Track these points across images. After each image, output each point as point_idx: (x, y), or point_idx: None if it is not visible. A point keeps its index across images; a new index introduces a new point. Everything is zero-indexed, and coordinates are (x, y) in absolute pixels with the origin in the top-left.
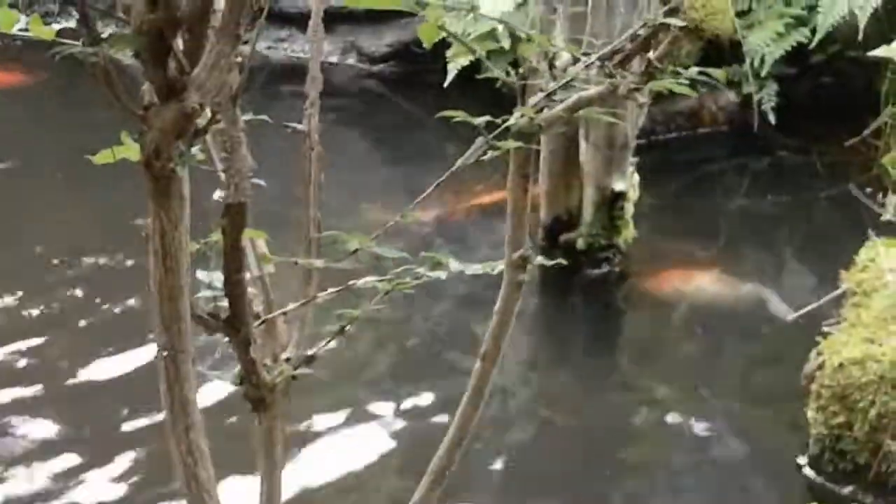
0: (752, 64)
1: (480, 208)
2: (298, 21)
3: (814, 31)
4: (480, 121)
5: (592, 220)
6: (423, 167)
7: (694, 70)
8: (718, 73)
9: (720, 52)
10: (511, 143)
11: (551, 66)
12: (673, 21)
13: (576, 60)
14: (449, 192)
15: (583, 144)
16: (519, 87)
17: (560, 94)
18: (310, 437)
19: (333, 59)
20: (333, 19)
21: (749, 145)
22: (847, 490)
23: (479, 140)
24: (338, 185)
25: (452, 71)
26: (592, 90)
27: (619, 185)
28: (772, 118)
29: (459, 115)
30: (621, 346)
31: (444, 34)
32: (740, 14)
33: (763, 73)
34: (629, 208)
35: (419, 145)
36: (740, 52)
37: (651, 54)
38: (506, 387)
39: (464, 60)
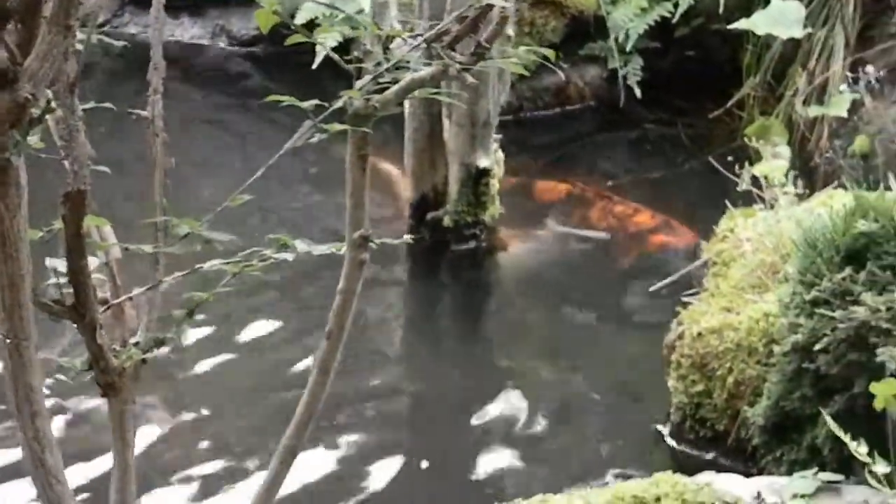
0: (616, 39)
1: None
2: (165, 4)
3: (676, 6)
4: (308, 104)
5: (458, 197)
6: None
7: (522, 49)
8: (548, 52)
9: (585, 27)
10: (337, 126)
11: (385, 49)
12: (499, 2)
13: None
14: None
15: (446, 123)
16: (354, 70)
17: (397, 76)
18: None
19: (204, 41)
20: (203, 2)
21: (616, 120)
22: (708, 456)
23: (307, 123)
24: (208, 166)
25: (321, 52)
26: (424, 71)
27: (483, 163)
28: (637, 92)
29: (287, 100)
30: (488, 319)
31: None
32: None
33: (628, 48)
34: (494, 185)
35: (284, 125)
36: (605, 27)
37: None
38: (375, 362)
39: (332, 42)
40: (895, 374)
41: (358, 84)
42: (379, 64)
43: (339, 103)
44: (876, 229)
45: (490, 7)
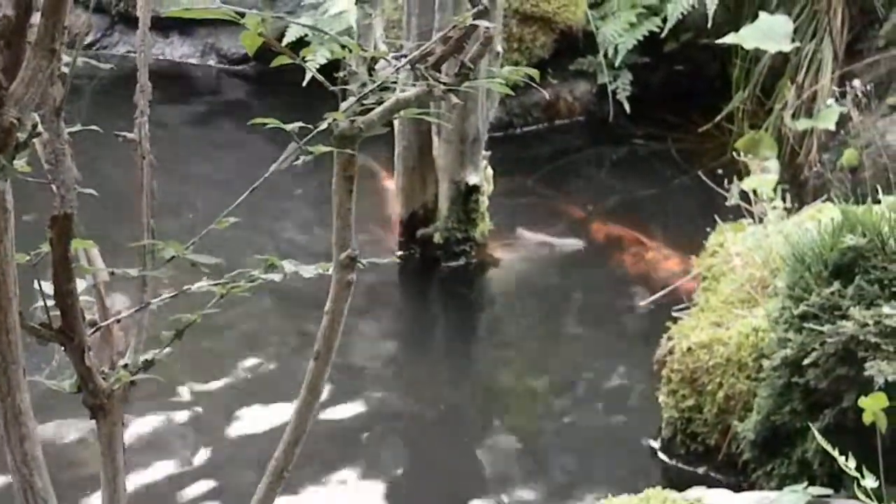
0: (605, 54)
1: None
2: (155, 24)
3: (665, 21)
4: (292, 126)
5: (448, 214)
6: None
7: (507, 69)
8: (532, 72)
9: (574, 42)
10: (321, 148)
11: (370, 70)
12: (483, 23)
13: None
14: None
15: (435, 140)
16: (339, 92)
17: (382, 96)
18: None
19: (193, 60)
20: (192, 21)
21: (605, 135)
22: (700, 471)
23: (292, 145)
24: (200, 186)
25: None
26: (409, 92)
27: (472, 179)
28: (627, 107)
29: (271, 122)
30: (480, 336)
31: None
32: (593, 5)
33: (617, 63)
34: (484, 201)
35: (276, 144)
36: (594, 42)
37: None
38: (368, 381)
39: (321, 59)
40: (884, 388)
41: (343, 106)
42: (364, 85)
43: (323, 125)
44: (864, 244)
45: (475, 27)
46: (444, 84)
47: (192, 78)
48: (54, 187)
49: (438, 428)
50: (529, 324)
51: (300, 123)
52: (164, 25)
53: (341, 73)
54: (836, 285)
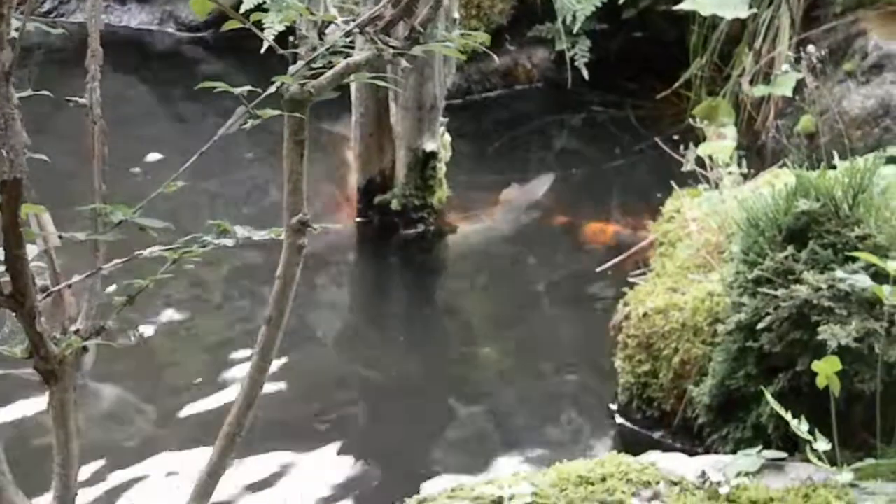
0: (564, 21)
1: None
2: None
3: None
4: (241, 90)
5: (406, 180)
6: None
7: (457, 33)
8: (483, 36)
9: (532, 9)
10: (270, 112)
11: (321, 34)
12: None
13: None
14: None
15: (392, 107)
16: (290, 56)
17: (332, 60)
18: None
19: (152, 27)
20: None
21: (564, 101)
22: (656, 436)
23: (240, 109)
24: (156, 151)
25: (268, 36)
26: (360, 56)
27: (430, 146)
28: (585, 74)
29: (220, 86)
30: (438, 302)
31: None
32: None
33: (575, 30)
34: (441, 168)
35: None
36: (552, 9)
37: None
38: (326, 349)
39: (280, 26)
40: (837, 351)
41: (291, 69)
42: (314, 49)
43: (272, 89)
44: (817, 208)
45: None
46: (394, 48)
47: (150, 45)
48: (4, 151)
49: (393, 394)
50: (486, 290)
51: (249, 87)
52: None
53: (293, 39)
54: (790, 250)
